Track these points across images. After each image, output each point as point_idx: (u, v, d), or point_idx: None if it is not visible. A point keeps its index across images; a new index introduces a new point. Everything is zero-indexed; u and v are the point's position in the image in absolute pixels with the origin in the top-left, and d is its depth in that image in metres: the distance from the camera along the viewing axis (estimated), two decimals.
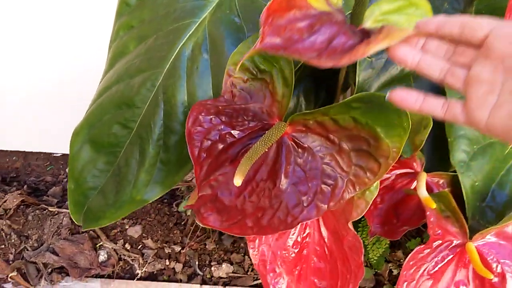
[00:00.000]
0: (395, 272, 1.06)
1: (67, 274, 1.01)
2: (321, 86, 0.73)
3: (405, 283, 0.49)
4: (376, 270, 1.02)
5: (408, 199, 0.59)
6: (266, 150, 0.55)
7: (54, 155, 1.30)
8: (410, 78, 0.61)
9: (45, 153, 1.30)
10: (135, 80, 0.63)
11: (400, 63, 0.40)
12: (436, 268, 0.50)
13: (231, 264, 1.06)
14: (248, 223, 0.56)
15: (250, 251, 0.62)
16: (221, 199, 0.57)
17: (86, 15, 1.00)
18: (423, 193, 0.49)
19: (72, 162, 0.67)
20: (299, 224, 0.64)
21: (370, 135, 0.50)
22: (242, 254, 1.08)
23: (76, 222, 0.67)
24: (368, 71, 0.62)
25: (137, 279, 1.02)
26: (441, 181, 0.56)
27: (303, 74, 0.75)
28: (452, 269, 0.50)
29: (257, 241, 0.63)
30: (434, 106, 0.39)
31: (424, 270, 0.49)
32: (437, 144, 0.61)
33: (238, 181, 0.46)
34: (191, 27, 0.59)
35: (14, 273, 0.99)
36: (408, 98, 0.40)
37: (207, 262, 1.07)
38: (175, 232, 1.11)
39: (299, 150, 0.54)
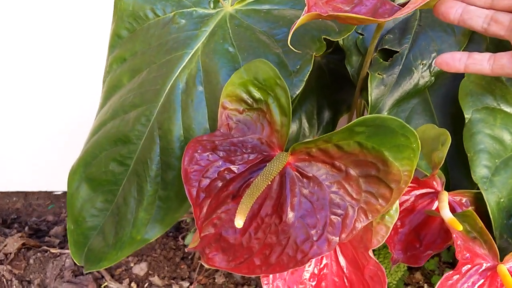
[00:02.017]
0: None
1: None
2: (323, 105, 0.70)
3: None
4: None
5: (430, 221, 0.55)
6: (269, 183, 0.52)
7: (55, 193, 1.28)
8: (426, 91, 0.59)
9: (45, 192, 1.28)
10: (129, 115, 0.61)
11: (444, 17, 0.39)
12: None
13: None
14: (256, 262, 0.52)
15: (264, 287, 0.58)
16: (226, 238, 0.53)
17: (83, 53, 0.99)
18: (446, 214, 0.46)
19: (71, 201, 0.65)
20: None
21: (377, 160, 0.47)
22: (254, 286, 1.04)
23: (78, 264, 0.64)
24: (380, 88, 0.59)
25: None
26: (463, 200, 0.53)
27: (303, 96, 0.73)
28: None
29: (271, 276, 0.59)
30: (480, 61, 0.38)
31: None
32: (457, 161, 0.58)
33: (239, 222, 0.43)
34: (184, 58, 0.57)
35: None
36: (452, 60, 0.39)
37: None
38: (182, 267, 1.07)
39: (304, 180, 0.51)
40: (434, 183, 0.54)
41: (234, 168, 0.51)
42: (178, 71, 0.57)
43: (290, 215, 0.51)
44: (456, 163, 0.61)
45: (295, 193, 0.51)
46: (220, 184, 0.51)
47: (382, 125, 0.45)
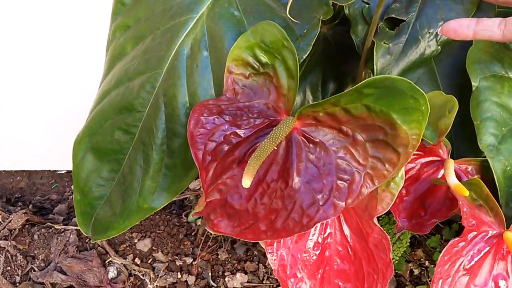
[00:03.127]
0: (416, 272, 1.02)
1: None
2: (328, 77, 0.70)
3: (440, 281, 0.45)
4: (397, 271, 0.98)
5: (435, 189, 0.55)
6: (275, 148, 0.52)
7: (59, 172, 1.28)
8: (432, 62, 0.58)
9: (49, 171, 1.28)
10: (134, 83, 0.60)
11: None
12: (472, 262, 0.46)
13: (245, 273, 1.02)
14: (262, 227, 0.52)
15: (268, 256, 0.59)
16: (231, 204, 0.53)
17: (85, 29, 0.98)
18: (453, 180, 0.45)
19: (77, 171, 0.65)
20: (320, 225, 0.60)
21: (385, 123, 0.47)
22: (256, 263, 1.04)
23: (85, 234, 0.65)
24: (386, 58, 0.59)
25: None
26: (469, 168, 0.53)
27: (308, 68, 0.72)
28: (489, 262, 0.46)
29: (275, 245, 0.59)
30: (490, 27, 0.37)
31: (460, 265, 0.45)
32: (463, 130, 0.57)
33: (246, 182, 0.43)
34: (189, 23, 0.56)
35: None
36: (460, 27, 0.38)
37: (220, 272, 1.03)
38: (185, 243, 1.07)
39: (311, 145, 0.51)
40: (440, 151, 0.54)
41: (240, 132, 0.51)
42: (183, 36, 0.56)
43: (296, 180, 0.51)
44: (461, 135, 0.60)
45: (301, 159, 0.51)
46: (226, 148, 0.51)
47: (391, 86, 0.45)
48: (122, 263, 1.02)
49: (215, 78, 0.55)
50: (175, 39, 0.56)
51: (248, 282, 1.00)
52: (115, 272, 1.02)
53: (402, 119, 0.46)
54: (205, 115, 0.50)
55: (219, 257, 1.05)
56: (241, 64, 0.52)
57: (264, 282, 1.01)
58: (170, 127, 0.58)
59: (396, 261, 0.89)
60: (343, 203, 0.49)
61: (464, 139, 0.58)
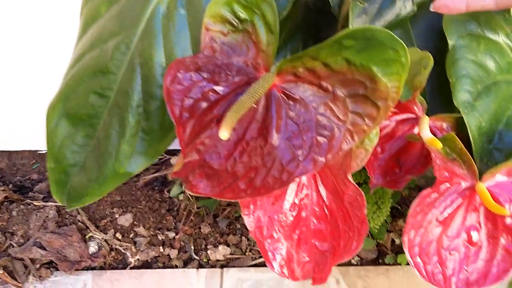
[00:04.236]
0: (397, 241, 1.03)
1: (56, 269, 0.97)
2: (309, 44, 0.69)
3: (413, 231, 0.45)
4: (378, 241, 0.99)
5: (410, 146, 0.55)
6: (255, 106, 0.51)
7: (40, 152, 1.25)
8: (408, 23, 0.58)
9: (30, 151, 1.25)
10: (108, 45, 0.58)
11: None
12: (445, 214, 0.46)
13: (228, 246, 1.02)
14: (241, 186, 0.52)
15: (245, 218, 0.58)
16: (210, 164, 0.52)
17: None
18: (426, 134, 0.45)
19: (50, 139, 0.63)
20: (296, 186, 0.60)
21: (366, 77, 0.46)
22: (239, 236, 1.04)
23: (60, 203, 0.63)
24: (362, 18, 0.58)
25: (131, 268, 0.98)
26: (444, 125, 0.53)
27: (288, 34, 0.71)
28: (462, 214, 0.47)
29: (251, 206, 0.59)
30: None
31: (433, 216, 0.46)
32: (439, 91, 0.57)
33: (224, 133, 0.42)
34: None
35: (0, 271, 0.94)
36: (452, 2, 0.37)
37: (203, 246, 1.03)
38: (168, 218, 1.07)
39: (290, 102, 0.50)
40: (415, 108, 0.54)
41: (218, 89, 0.49)
42: None
43: (276, 137, 0.50)
44: (437, 96, 0.60)
45: (281, 116, 0.50)
46: (204, 105, 0.49)
47: (371, 37, 0.44)
48: (103, 238, 1.01)
49: (192, 37, 0.54)
50: None
51: (230, 254, 1.00)
52: (96, 247, 1.00)
53: (382, 72, 0.46)
54: (181, 71, 0.49)
55: (201, 231, 1.05)
56: (219, 21, 0.50)
57: (246, 254, 1.01)
58: (146, 89, 0.56)
59: (377, 230, 0.90)
60: (323, 159, 0.49)
61: (440, 100, 0.58)
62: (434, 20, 0.63)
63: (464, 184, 0.46)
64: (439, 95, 0.57)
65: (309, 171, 0.49)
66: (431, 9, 0.45)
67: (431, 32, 0.62)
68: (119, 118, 0.58)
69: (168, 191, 1.12)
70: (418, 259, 0.46)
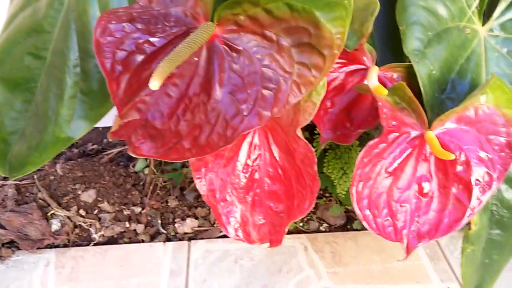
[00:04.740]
0: None
1: (18, 248, 0.93)
2: None
3: (361, 183, 0.43)
4: (346, 207, 0.99)
5: (361, 99, 0.53)
6: (196, 59, 0.48)
7: None
8: None
9: None
10: (41, 2, 0.54)
11: None
12: (395, 165, 0.44)
13: (196, 218, 1.00)
14: (186, 145, 0.49)
15: (197, 182, 0.56)
16: (152, 123, 0.49)
17: None
18: (372, 82, 0.43)
19: None
20: (248, 146, 0.57)
21: (309, 23, 0.44)
22: (207, 208, 1.02)
23: (2, 174, 0.59)
24: None
25: (95, 244, 0.95)
26: (395, 75, 0.51)
27: None
28: (412, 164, 0.45)
29: (203, 170, 0.56)
30: None
31: (382, 167, 0.44)
32: (390, 40, 0.55)
33: (154, 83, 0.39)
34: None
35: None
36: None
37: (170, 219, 1.00)
38: (133, 193, 1.03)
39: (234, 54, 0.47)
40: (365, 58, 0.51)
41: (154, 40, 0.46)
42: None
43: (219, 91, 0.47)
44: (388, 47, 0.58)
45: (223, 68, 0.47)
46: (139, 58, 0.46)
47: None
48: (65, 215, 0.98)
49: None
50: None
51: (199, 226, 0.99)
52: (59, 224, 0.97)
53: (326, 17, 0.43)
54: (113, 22, 0.45)
55: (169, 204, 1.02)
56: None
57: (215, 225, 0.99)
58: (83, 46, 0.53)
59: (343, 196, 0.88)
60: (269, 112, 0.46)
61: (391, 51, 0.56)
62: None
63: (413, 133, 0.44)
64: (391, 46, 0.55)
65: (254, 126, 0.46)
66: None
67: None
68: (57, 80, 0.55)
69: (134, 166, 1.09)
70: (368, 212, 0.44)
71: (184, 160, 0.51)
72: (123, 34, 0.45)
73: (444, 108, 0.49)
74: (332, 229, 0.97)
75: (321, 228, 0.97)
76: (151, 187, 1.04)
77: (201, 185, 0.57)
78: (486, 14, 0.55)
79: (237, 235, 0.57)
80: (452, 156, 0.40)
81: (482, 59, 0.53)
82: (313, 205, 0.51)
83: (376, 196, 0.45)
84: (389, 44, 0.55)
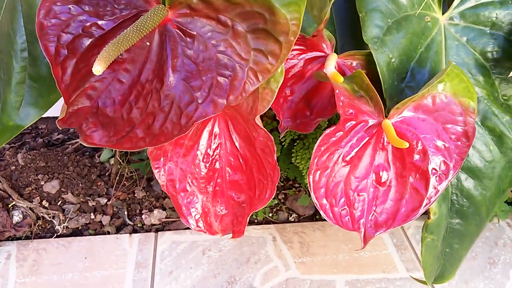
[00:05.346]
0: None
1: None
2: None
3: (318, 172, 0.42)
4: None
5: (321, 87, 0.52)
6: (148, 44, 0.46)
7: None
8: None
9: None
10: None
11: None
12: (352, 153, 0.43)
13: (164, 209, 0.98)
14: (139, 134, 0.47)
15: (155, 172, 0.54)
16: (104, 111, 0.47)
17: None
18: (329, 69, 0.42)
19: None
20: (208, 135, 0.56)
21: (264, 8, 0.42)
22: None
23: None
24: None
25: (58, 236, 0.92)
26: (354, 63, 0.50)
27: None
28: (370, 153, 0.44)
29: (162, 159, 0.54)
30: None
31: (339, 156, 0.43)
32: (351, 26, 0.54)
33: (97, 68, 0.37)
34: None
35: None
36: None
37: (137, 211, 0.98)
38: (99, 184, 1.01)
39: (187, 39, 0.45)
40: (324, 45, 0.50)
41: (102, 23, 0.44)
42: None
43: (172, 77, 0.45)
44: (348, 35, 0.57)
45: (177, 53, 0.45)
46: (87, 42, 0.44)
47: None
48: (27, 206, 0.94)
49: None
50: None
51: (166, 218, 0.97)
52: (20, 215, 0.94)
53: (280, 2, 0.42)
54: (58, 4, 0.43)
55: (135, 195, 1.00)
56: None
57: None
58: (31, 29, 0.50)
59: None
60: (224, 100, 0.45)
61: (350, 36, 0.55)
62: None
63: (371, 122, 0.44)
64: (351, 33, 0.54)
65: (208, 114, 0.45)
66: None
67: None
68: (3, 65, 0.52)
69: (99, 156, 1.06)
70: (325, 201, 0.44)
71: (142, 149, 0.49)
72: (68, 16, 0.43)
73: (403, 97, 0.48)
74: (301, 219, 0.96)
75: (290, 219, 0.96)
76: (117, 178, 1.01)
77: (160, 175, 0.55)
78: (446, 3, 0.54)
79: (198, 226, 0.56)
80: (406, 145, 0.40)
81: (442, 48, 0.52)
82: (273, 195, 0.50)
83: (333, 185, 0.44)
84: (350, 31, 0.54)
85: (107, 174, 1.03)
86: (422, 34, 0.50)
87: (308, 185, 0.87)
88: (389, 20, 0.48)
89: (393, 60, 0.47)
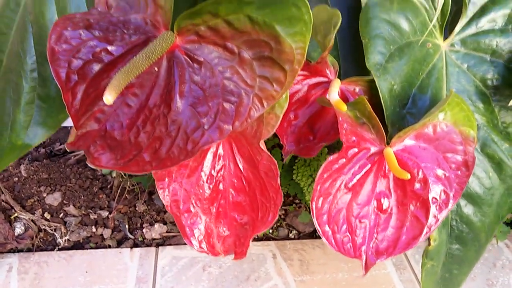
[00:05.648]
0: None
1: None
2: None
3: (321, 199, 0.43)
4: None
5: (324, 112, 0.53)
6: (156, 69, 0.47)
7: None
8: None
9: None
10: None
11: None
12: (354, 180, 0.44)
13: (165, 224, 0.98)
14: (146, 158, 0.48)
15: (160, 192, 0.55)
16: (112, 134, 0.48)
17: None
18: (333, 96, 0.43)
19: None
20: (212, 157, 0.57)
21: (270, 37, 0.43)
22: None
23: None
24: None
25: (60, 249, 0.92)
26: (357, 89, 0.51)
27: None
28: (371, 180, 0.45)
29: (166, 180, 0.55)
30: None
31: (341, 183, 0.44)
32: (353, 53, 0.55)
33: (108, 98, 0.38)
34: None
35: None
36: None
37: (138, 224, 0.99)
38: (100, 196, 1.01)
39: (195, 65, 0.46)
40: (327, 71, 0.51)
41: (112, 49, 0.45)
42: None
43: (179, 103, 0.46)
44: (351, 58, 0.57)
45: (184, 79, 0.46)
46: (97, 67, 0.45)
47: None
48: (29, 218, 0.95)
49: None
50: None
51: (167, 232, 0.97)
52: (22, 228, 0.94)
53: (286, 32, 0.43)
54: (69, 29, 0.44)
55: (137, 209, 1.01)
56: None
57: None
58: (40, 50, 0.51)
59: None
60: (230, 126, 0.46)
61: (354, 64, 0.56)
62: None
63: (373, 149, 0.44)
64: (354, 58, 0.55)
65: (214, 140, 0.45)
66: None
67: None
68: (13, 84, 0.53)
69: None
70: (327, 228, 0.44)
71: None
72: (79, 41, 0.44)
73: (405, 123, 0.49)
74: (301, 236, 0.97)
75: (290, 235, 0.97)
76: (118, 191, 1.02)
77: (165, 195, 0.56)
78: (447, 29, 0.56)
79: (201, 247, 0.56)
80: (408, 176, 0.40)
81: (443, 74, 0.53)
82: (276, 218, 0.51)
83: (335, 212, 0.45)
84: (353, 55, 0.55)
85: (109, 186, 1.04)
86: (423, 60, 0.51)
87: (310, 206, 0.88)
88: (391, 47, 0.49)
89: (395, 87, 0.48)
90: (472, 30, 0.54)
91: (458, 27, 0.54)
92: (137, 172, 0.49)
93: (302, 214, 0.95)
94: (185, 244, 0.94)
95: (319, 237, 0.96)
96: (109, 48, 0.45)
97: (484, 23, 0.54)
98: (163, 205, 1.01)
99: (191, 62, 0.46)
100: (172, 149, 0.47)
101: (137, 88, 0.47)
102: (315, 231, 0.97)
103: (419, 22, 0.50)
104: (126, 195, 1.02)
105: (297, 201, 1.02)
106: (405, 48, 0.49)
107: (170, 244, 0.95)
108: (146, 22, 0.46)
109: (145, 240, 0.96)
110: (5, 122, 0.54)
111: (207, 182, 0.56)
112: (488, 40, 0.55)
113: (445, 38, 0.55)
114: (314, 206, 0.44)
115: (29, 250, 0.93)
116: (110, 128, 0.48)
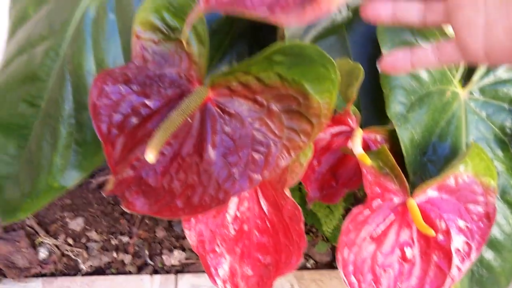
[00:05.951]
0: None
1: (5, 276, 0.93)
2: (255, 48, 0.67)
3: (346, 249, 0.44)
4: (331, 243, 1.00)
5: (346, 159, 0.55)
6: (190, 121, 0.49)
7: None
8: (343, 29, 0.56)
9: None
10: (37, 50, 0.55)
11: (375, 19, 0.37)
12: (379, 231, 0.46)
13: (184, 250, 1.00)
14: (179, 204, 0.50)
15: (186, 232, 0.57)
16: (146, 181, 0.50)
17: None
18: (357, 150, 0.45)
19: None
20: (237, 199, 0.59)
21: (298, 93, 0.45)
22: None
23: None
24: (296, 25, 0.57)
25: (82, 275, 0.95)
26: (378, 137, 0.52)
27: (235, 38, 0.69)
28: (395, 230, 0.47)
29: (193, 220, 0.57)
30: (425, 56, 0.38)
31: (366, 233, 0.45)
32: (374, 101, 0.57)
33: (150, 156, 0.40)
34: None
35: None
36: (396, 61, 0.39)
37: (158, 250, 1.01)
38: (121, 222, 1.04)
39: (226, 117, 0.49)
40: (349, 120, 0.53)
41: (150, 103, 0.47)
42: None
43: (211, 153, 0.49)
44: (372, 106, 0.59)
45: (216, 130, 0.49)
46: (135, 120, 0.47)
47: (300, 53, 0.43)
48: (53, 243, 0.97)
49: (123, 44, 0.51)
50: (80, 1, 0.51)
51: (186, 259, 0.99)
52: (46, 252, 0.97)
53: (314, 89, 0.45)
54: (109, 84, 0.46)
55: (156, 235, 1.03)
56: (149, 29, 0.48)
57: None
58: (78, 98, 0.54)
59: (330, 233, 0.90)
60: (259, 176, 0.48)
61: (375, 112, 0.58)
62: (370, 27, 0.62)
63: (396, 200, 0.46)
64: (374, 107, 0.57)
65: (244, 189, 0.48)
66: (379, 70, 0.45)
67: (366, 40, 0.61)
68: (51, 129, 0.56)
69: None
70: (353, 278, 0.46)
71: None
72: (119, 97, 0.46)
73: (425, 171, 0.51)
74: (318, 266, 0.98)
75: (308, 265, 0.98)
76: (139, 216, 1.04)
77: (191, 236, 0.58)
78: (466, 78, 0.57)
79: (225, 287, 0.58)
80: (433, 233, 0.42)
81: (462, 122, 0.55)
82: (300, 262, 0.52)
83: (361, 262, 0.46)
84: (374, 104, 0.57)
85: (129, 212, 1.06)
86: (443, 109, 0.53)
87: (324, 232, 0.88)
88: (412, 97, 0.51)
89: (416, 136, 0.50)
90: (490, 79, 0.56)
91: (476, 76, 0.56)
92: (169, 217, 0.51)
93: (319, 243, 0.96)
94: (204, 271, 0.96)
95: (336, 268, 0.97)
96: (147, 102, 0.47)
97: (502, 72, 0.56)
98: (182, 230, 1.03)
99: (222, 114, 0.49)
100: (204, 197, 0.49)
101: (171, 138, 0.50)
102: (332, 261, 0.98)
103: (439, 72, 0.52)
104: (147, 221, 1.04)
105: (314, 229, 1.03)
106: (425, 98, 0.51)
107: (189, 271, 0.96)
108: (181, 76, 0.49)
109: (164, 267, 0.98)
110: (42, 164, 0.56)
111: (232, 223, 0.58)
112: (505, 89, 0.56)
113: (463, 86, 0.57)
114: (340, 257, 0.45)
115: (52, 274, 0.95)
116: (145, 175, 0.50)
